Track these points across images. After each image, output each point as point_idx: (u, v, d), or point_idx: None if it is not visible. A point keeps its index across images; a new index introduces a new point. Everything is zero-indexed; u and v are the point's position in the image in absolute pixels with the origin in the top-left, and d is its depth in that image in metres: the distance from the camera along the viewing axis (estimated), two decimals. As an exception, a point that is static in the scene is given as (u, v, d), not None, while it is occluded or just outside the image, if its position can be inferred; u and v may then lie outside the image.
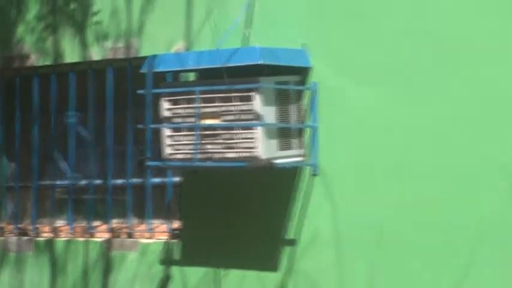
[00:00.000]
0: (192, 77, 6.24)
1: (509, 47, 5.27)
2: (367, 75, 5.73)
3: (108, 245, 6.77)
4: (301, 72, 5.91)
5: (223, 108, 5.69)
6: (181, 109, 5.85)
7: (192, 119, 5.77)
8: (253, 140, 5.60)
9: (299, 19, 5.97)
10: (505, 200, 5.28)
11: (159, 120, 5.98)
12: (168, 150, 5.93)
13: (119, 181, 6.84)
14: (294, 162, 5.85)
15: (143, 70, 6.02)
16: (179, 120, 5.87)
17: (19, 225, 7.28)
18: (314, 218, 5.91)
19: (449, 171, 5.47)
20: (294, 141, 5.86)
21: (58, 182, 7.16)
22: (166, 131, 5.92)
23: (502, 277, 5.30)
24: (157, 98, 6.01)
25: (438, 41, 5.49)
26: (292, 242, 5.99)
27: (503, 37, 5.30)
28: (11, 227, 7.30)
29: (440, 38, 5.49)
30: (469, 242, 5.36)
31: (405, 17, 5.62)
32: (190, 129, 5.80)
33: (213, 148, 5.75)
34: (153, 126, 6.16)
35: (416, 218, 5.56)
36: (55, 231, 7.09)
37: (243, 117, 5.63)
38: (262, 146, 5.58)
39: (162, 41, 6.49)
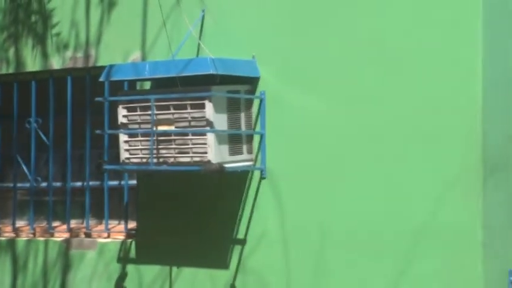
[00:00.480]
0: (147, 85, 6.22)
1: (441, 58, 5.36)
2: (312, 85, 5.76)
3: (67, 244, 6.73)
4: (251, 82, 5.93)
5: (177, 116, 5.69)
6: (137, 116, 5.84)
7: (148, 125, 5.76)
8: (205, 146, 5.60)
9: (249, 32, 5.99)
10: (437, 201, 5.35)
11: (117, 126, 5.96)
12: (124, 155, 5.92)
13: (78, 183, 6.81)
14: (244, 166, 5.86)
15: (101, 79, 6.01)
16: (135, 126, 5.86)
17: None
18: (262, 218, 5.93)
19: (387, 174, 5.52)
20: (244, 147, 5.89)
21: (20, 185, 7.09)
22: (123, 137, 5.90)
23: (436, 272, 5.37)
24: (114, 105, 6.01)
25: (376, 53, 5.54)
26: (241, 242, 6.00)
27: (435, 48, 5.38)
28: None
29: (377, 51, 5.53)
30: (405, 240, 5.42)
31: (347, 31, 5.66)
32: (145, 135, 5.79)
33: (168, 153, 5.75)
34: (110, 131, 6.17)
35: (357, 217, 5.60)
36: (16, 231, 7.04)
37: (195, 124, 5.64)
38: (213, 151, 5.60)
39: (119, 51, 6.47)
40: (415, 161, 5.43)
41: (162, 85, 5.89)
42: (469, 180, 5.28)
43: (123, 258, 6.48)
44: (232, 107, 5.77)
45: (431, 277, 5.38)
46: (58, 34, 6.76)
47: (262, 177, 5.93)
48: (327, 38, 5.72)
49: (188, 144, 5.68)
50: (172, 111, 5.70)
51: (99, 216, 6.73)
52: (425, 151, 5.40)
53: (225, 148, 5.71)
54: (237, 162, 5.80)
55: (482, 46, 5.27)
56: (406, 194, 5.46)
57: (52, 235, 6.85)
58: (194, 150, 5.66)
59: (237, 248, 6.03)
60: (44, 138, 6.88)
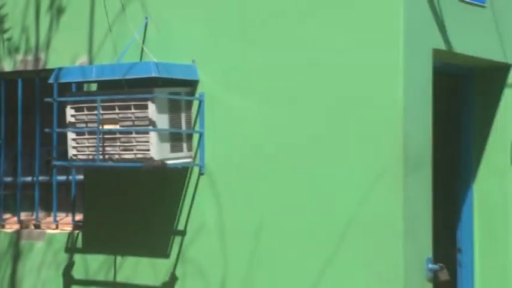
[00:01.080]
0: (94, 87, 6.16)
1: (367, 66, 5.38)
2: (247, 87, 5.77)
3: (17, 235, 6.67)
4: (191, 84, 5.92)
5: (121, 115, 5.67)
6: (84, 115, 5.80)
7: (94, 124, 5.73)
8: (148, 143, 5.59)
9: (189, 38, 5.98)
10: (363, 195, 5.39)
11: (65, 125, 5.92)
12: (72, 152, 5.88)
13: (28, 178, 6.74)
14: (184, 163, 5.85)
15: (50, 81, 5.96)
16: (82, 125, 5.82)
17: None
18: (201, 211, 5.92)
19: (317, 170, 5.54)
20: (184, 145, 5.87)
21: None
22: (71, 135, 5.86)
23: (362, 260, 5.40)
24: (63, 105, 5.96)
25: (306, 59, 5.56)
26: (181, 233, 5.99)
27: (362, 57, 5.40)
28: None
29: (308, 57, 5.56)
30: (334, 230, 5.45)
31: (278, 38, 5.67)
32: (92, 133, 5.75)
33: (112, 150, 5.72)
34: (58, 130, 6.12)
35: (289, 210, 5.61)
36: (-31, 223, 6.95)
37: (139, 123, 5.62)
38: (155, 149, 5.59)
39: (67, 55, 6.42)
40: (343, 158, 5.46)
41: (108, 87, 5.85)
42: (392, 176, 5.32)
43: (71, 248, 6.42)
44: (173, 108, 5.75)
45: (357, 264, 5.41)
46: (9, 38, 6.69)
47: (200, 173, 5.93)
48: (260, 45, 5.74)
49: (132, 142, 5.66)
50: (117, 111, 5.67)
51: (48, 209, 6.67)
52: (352, 150, 5.44)
53: (167, 146, 5.70)
54: (177, 159, 5.79)
55: (403, 55, 5.31)
56: (334, 188, 5.49)
57: (3, 226, 6.78)
58: (137, 147, 5.64)
59: (177, 239, 6.01)
60: (-5, 137, 6.83)
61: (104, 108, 5.68)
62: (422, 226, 5.48)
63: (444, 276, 5.58)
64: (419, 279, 5.43)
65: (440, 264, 5.56)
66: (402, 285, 5.29)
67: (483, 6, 6.00)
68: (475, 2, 5.92)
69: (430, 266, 5.50)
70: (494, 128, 6.32)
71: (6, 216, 6.86)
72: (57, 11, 6.50)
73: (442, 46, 5.66)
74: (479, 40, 5.98)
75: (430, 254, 5.53)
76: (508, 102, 6.22)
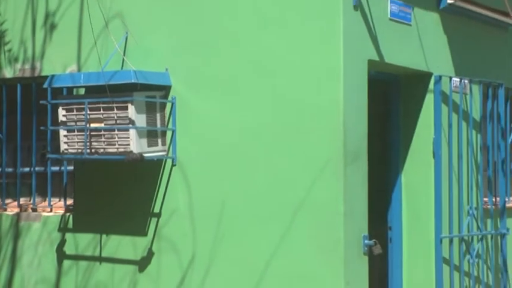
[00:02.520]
0: (82, 91, 6.08)
1: (314, 73, 5.39)
2: (212, 92, 5.74)
3: (17, 217, 6.57)
4: (165, 89, 5.87)
5: (105, 115, 5.63)
6: (74, 115, 5.75)
7: (82, 123, 5.67)
8: (128, 139, 5.55)
9: (163, 50, 5.93)
10: (311, 182, 5.38)
11: (57, 123, 5.86)
12: (64, 146, 5.82)
13: (26, 169, 6.64)
14: (159, 155, 5.81)
15: (45, 86, 5.90)
16: (72, 123, 5.77)
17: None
18: (174, 197, 5.88)
19: (272, 162, 5.53)
20: (159, 140, 5.83)
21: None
22: (63, 132, 5.81)
23: (309, 237, 5.40)
24: (56, 107, 5.89)
25: (262, 68, 5.55)
26: (157, 215, 5.95)
27: (309, 65, 5.41)
28: None
29: (263, 66, 5.54)
30: (286, 212, 5.45)
31: (236, 51, 5.66)
32: (80, 130, 5.70)
33: (98, 145, 5.67)
34: (52, 128, 6.05)
35: (249, 195, 5.60)
36: (-24, 207, 6.84)
37: (120, 122, 5.59)
38: (135, 144, 5.55)
39: (59, 64, 6.34)
40: (294, 151, 5.45)
41: (94, 91, 5.79)
42: (334, 166, 5.32)
43: (63, 228, 6.34)
44: (150, 109, 5.71)
45: (305, 240, 5.41)
46: (9, 50, 6.59)
47: (173, 165, 5.88)
48: (221, 56, 5.71)
49: (115, 138, 5.61)
50: (101, 111, 5.64)
51: (43, 195, 6.57)
52: (302, 144, 5.43)
53: (144, 141, 5.66)
54: (153, 152, 5.75)
55: (343, 65, 5.31)
56: (286, 176, 5.48)
57: (5, 210, 6.67)
58: (119, 142, 5.60)
59: (153, 220, 5.96)
60: (-2, 133, 6.72)
61: (91, 109, 5.64)
62: (359, 208, 5.50)
63: (377, 250, 5.61)
64: (357, 253, 5.45)
65: (374, 240, 5.58)
66: (343, 258, 5.30)
67: (409, 25, 6.00)
68: (402, 21, 5.93)
69: (366, 241, 5.52)
70: (418, 126, 6.34)
71: (8, 201, 6.75)
72: (50, 27, 6.41)
73: (376, 57, 5.67)
74: (406, 52, 5.99)
75: (366, 232, 5.54)
76: (430, 105, 6.23)
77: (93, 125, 5.66)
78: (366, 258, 5.54)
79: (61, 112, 5.80)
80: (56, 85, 5.89)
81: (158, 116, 5.80)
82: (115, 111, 5.59)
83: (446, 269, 6.14)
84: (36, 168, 6.55)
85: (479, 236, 6.46)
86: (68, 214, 6.34)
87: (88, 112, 5.63)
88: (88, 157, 5.71)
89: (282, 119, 5.50)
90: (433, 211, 6.13)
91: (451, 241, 6.16)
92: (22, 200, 6.66)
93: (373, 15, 5.60)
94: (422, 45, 6.12)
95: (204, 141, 5.78)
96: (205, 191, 5.76)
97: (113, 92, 5.59)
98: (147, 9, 6.00)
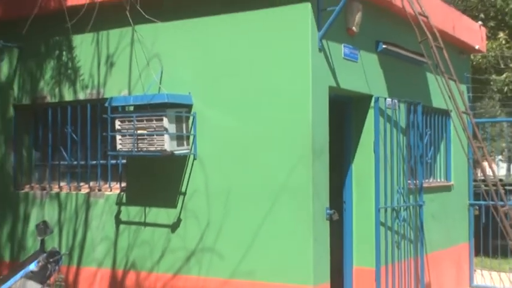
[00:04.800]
0: (132, 108, 5.84)
1: (290, 91, 5.24)
2: (221, 108, 5.55)
3: (88, 195, 6.31)
4: (188, 107, 5.66)
5: (147, 125, 5.46)
6: (126, 125, 5.56)
7: (132, 130, 5.50)
8: (163, 141, 5.39)
9: (186, 79, 5.70)
10: (289, 171, 5.23)
11: (115, 130, 5.65)
12: (119, 146, 5.63)
13: (94, 162, 6.38)
14: (185, 152, 5.59)
15: (106, 105, 5.71)
16: (125, 131, 5.57)
17: (42, 185, 6.69)
18: (195, 181, 5.66)
19: (262, 157, 5.36)
20: (185, 142, 5.60)
21: (62, 163, 6.60)
22: (118, 136, 5.61)
23: (288, 212, 5.25)
24: (113, 119, 5.68)
25: (255, 92, 5.38)
26: (183, 193, 5.72)
27: (287, 85, 5.26)
28: (37, 186, 6.71)
29: (256, 91, 5.37)
30: (271, 194, 5.30)
31: (239, 80, 5.47)
32: (131, 135, 5.52)
33: (142, 145, 5.50)
34: (111, 133, 5.80)
35: (247, 182, 5.41)
36: (60, 188, 6.56)
37: (158, 129, 5.41)
38: (167, 144, 5.38)
39: (115, 90, 6.09)
40: (278, 150, 5.29)
41: (140, 108, 5.60)
42: (305, 160, 5.16)
43: (119, 203, 6.10)
44: (178, 120, 5.49)
45: (286, 211, 5.25)
46: (82, 80, 6.34)
47: (194, 159, 5.65)
48: (227, 83, 5.52)
49: (154, 141, 5.43)
50: (145, 122, 5.45)
51: (106, 180, 6.31)
52: (283, 145, 5.27)
53: (174, 142, 5.45)
54: (181, 150, 5.53)
55: (311, 90, 5.17)
56: (272, 167, 5.30)
57: (80, 190, 6.41)
58: (157, 143, 5.41)
59: (181, 197, 5.73)
60: (75, 137, 6.45)
61: (137, 121, 5.46)
62: (322, 189, 5.32)
63: (335, 217, 5.47)
64: (321, 219, 5.28)
65: (333, 210, 5.44)
66: (312, 223, 5.15)
67: (356, 62, 5.83)
68: (352, 59, 5.75)
69: (328, 211, 5.36)
70: (363, 132, 6.14)
71: (82, 184, 6.48)
72: (110, 64, 6.16)
73: (334, 84, 5.49)
74: (355, 81, 5.81)
75: (327, 205, 5.37)
76: (371, 117, 6.05)
77: (139, 132, 5.47)
78: (328, 222, 5.38)
79: (117, 123, 5.61)
80: (114, 104, 5.69)
81: (184, 125, 5.56)
82: (154, 122, 5.40)
83: (382, 229, 5.97)
84: (101, 162, 6.31)
85: (405, 207, 6.32)
86: (122, 193, 6.10)
87: (135, 123, 5.45)
88: (136, 154, 5.53)
89: (270, 128, 5.32)
90: (373, 190, 5.94)
91: (385, 210, 6.02)
92: (91, 184, 6.39)
93: (332, 56, 5.45)
94: (365, 76, 5.94)
95: (215, 142, 5.56)
96: (217, 177, 5.54)
97: (152, 109, 5.43)
98: (175, 51, 5.78)
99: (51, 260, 4.31)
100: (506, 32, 9.99)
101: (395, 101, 6.24)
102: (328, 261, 5.36)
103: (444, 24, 7.00)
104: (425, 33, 5.83)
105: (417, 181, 6.51)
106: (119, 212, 6.08)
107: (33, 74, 6.65)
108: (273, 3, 5.30)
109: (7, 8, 6.56)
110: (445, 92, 6.04)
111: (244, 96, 5.44)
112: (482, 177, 6.78)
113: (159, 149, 5.39)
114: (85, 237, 6.26)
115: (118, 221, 6.08)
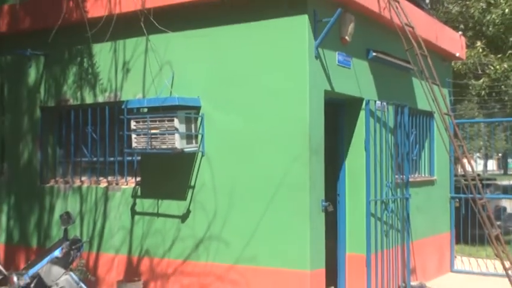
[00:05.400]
0: (146, 110, 5.76)
1: (290, 97, 5.18)
2: (226, 110, 5.48)
3: (107, 188, 6.25)
4: (197, 108, 5.59)
5: (160, 125, 5.38)
6: (141, 125, 5.49)
7: (146, 130, 5.42)
8: (174, 140, 5.31)
9: (196, 84, 5.64)
10: (289, 168, 5.17)
11: (130, 130, 5.57)
12: (134, 144, 5.56)
13: (111, 158, 6.31)
14: (193, 150, 5.53)
15: (123, 107, 5.64)
16: (140, 130, 5.50)
17: (65, 179, 6.65)
18: (202, 175, 5.60)
19: (264, 154, 5.29)
20: (193, 140, 5.54)
21: (83, 159, 6.54)
22: (133, 135, 5.54)
23: (287, 204, 5.19)
24: (129, 120, 5.60)
25: (259, 96, 5.31)
26: (192, 187, 5.66)
27: (288, 91, 5.18)
28: (61, 180, 6.66)
29: (261, 95, 5.30)
30: (272, 188, 5.24)
31: (244, 84, 5.41)
32: (145, 134, 5.44)
33: (155, 143, 5.42)
34: (127, 133, 5.72)
35: (249, 177, 5.35)
36: (82, 182, 6.50)
37: (169, 128, 5.34)
38: (178, 142, 5.30)
39: (131, 93, 6.02)
40: (278, 148, 5.22)
41: (153, 110, 5.52)
42: (303, 157, 5.10)
43: (134, 195, 6.04)
44: (188, 121, 5.42)
45: (285, 203, 5.18)
46: (102, 84, 6.27)
47: (202, 156, 5.59)
48: (232, 88, 5.45)
49: (166, 139, 5.35)
50: (157, 123, 5.38)
51: (122, 174, 6.25)
52: (283, 144, 5.20)
53: (184, 141, 5.39)
54: (190, 148, 5.46)
55: (309, 94, 5.11)
56: (273, 164, 5.24)
57: (99, 184, 6.35)
58: (169, 142, 5.34)
59: (190, 190, 5.66)
60: (94, 136, 6.39)
61: (151, 121, 5.39)
62: (318, 183, 5.25)
63: (330, 208, 5.40)
64: (317, 210, 5.22)
65: (328, 202, 5.37)
66: (308, 214, 5.09)
67: (349, 68, 5.75)
68: (345, 66, 5.67)
69: (323, 203, 5.29)
70: (355, 131, 6.06)
71: (101, 178, 6.42)
72: (126, 70, 6.08)
73: (329, 88, 5.42)
74: (348, 85, 5.73)
75: (323, 197, 5.30)
76: (362, 118, 5.99)
77: (152, 131, 5.39)
78: (323, 214, 5.31)
79: (132, 123, 5.53)
80: (129, 106, 5.62)
81: (193, 125, 5.50)
82: (166, 122, 5.33)
83: (372, 220, 5.90)
84: (118, 158, 6.24)
85: (393, 199, 6.24)
86: (137, 186, 6.03)
87: (149, 123, 5.38)
88: (149, 151, 5.46)
89: (271, 128, 5.25)
90: (364, 184, 5.87)
91: (375, 202, 5.93)
92: (109, 178, 6.33)
93: (327, 62, 5.38)
94: (357, 81, 5.85)
95: (221, 141, 5.49)
96: (223, 172, 5.48)
97: (164, 111, 5.36)
98: (185, 58, 5.70)
99: (73, 247, 4.27)
100: (483, 41, 9.93)
101: (384, 103, 6.16)
102: (323, 248, 5.30)
103: (428, 34, 6.93)
104: (411, 42, 5.77)
105: (404, 176, 6.44)
106: (134, 204, 6.02)
107: (57, 79, 6.60)
108: (274, 15, 5.24)
109: (34, 20, 6.51)
110: (429, 95, 5.98)
111: (247, 99, 5.37)
112: (462, 173, 6.71)
113: (170, 146, 5.32)
114: (104, 226, 6.21)
115: (133, 212, 6.01)
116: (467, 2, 9.73)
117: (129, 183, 6.12)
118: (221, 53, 5.51)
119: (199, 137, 5.58)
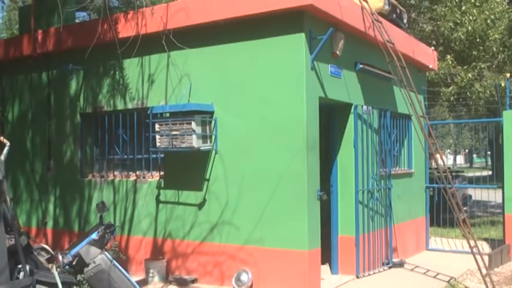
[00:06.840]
0: (168, 114, 5.68)
1: (289, 99, 5.07)
2: (235, 114, 5.38)
3: (135, 181, 6.16)
4: (211, 113, 5.49)
5: (180, 127, 5.29)
6: (163, 127, 5.39)
7: (168, 131, 5.34)
8: (192, 140, 5.22)
9: (210, 92, 5.54)
10: (289, 162, 5.06)
11: (155, 132, 5.49)
12: (158, 144, 5.46)
13: (139, 156, 6.22)
14: (208, 148, 5.43)
15: (148, 112, 5.55)
16: (163, 132, 5.40)
17: (101, 174, 6.55)
18: (216, 170, 5.50)
19: (268, 150, 5.17)
20: (208, 140, 5.44)
21: (115, 157, 6.45)
22: (157, 136, 5.45)
23: (287, 193, 5.08)
24: (154, 123, 5.52)
25: (262, 102, 5.19)
26: (207, 179, 5.56)
27: (287, 94, 5.07)
28: (97, 175, 6.57)
29: (263, 101, 5.20)
30: (274, 179, 5.14)
31: (249, 92, 5.30)
32: (167, 135, 5.35)
33: (176, 143, 5.33)
34: (152, 134, 5.64)
35: (256, 170, 5.24)
36: (114, 176, 6.41)
37: (188, 130, 5.25)
38: (195, 142, 5.22)
39: (155, 100, 5.92)
40: (280, 145, 5.11)
41: (174, 115, 5.44)
42: (301, 153, 4.99)
43: (158, 187, 5.94)
44: (203, 124, 5.33)
45: (286, 193, 5.08)
46: (131, 93, 6.18)
47: (215, 153, 5.49)
48: (240, 96, 5.35)
49: (185, 139, 5.26)
50: (178, 125, 5.29)
51: (148, 169, 6.17)
52: (284, 141, 5.09)
53: (200, 141, 5.29)
54: (205, 146, 5.37)
55: (305, 100, 5.00)
56: (276, 159, 5.13)
57: (129, 177, 6.26)
58: (187, 142, 5.25)
59: (205, 182, 5.57)
60: (125, 137, 6.29)
61: (172, 124, 5.30)
62: (315, 175, 5.14)
63: (324, 197, 5.29)
64: (313, 199, 5.11)
65: (323, 192, 5.25)
66: (306, 202, 4.99)
67: (340, 78, 5.63)
68: (337, 76, 5.56)
69: (319, 193, 5.17)
70: (346, 132, 5.95)
71: (130, 173, 6.33)
72: (151, 81, 5.98)
73: (323, 95, 5.31)
74: (339, 92, 5.62)
75: (318, 187, 5.19)
76: (351, 121, 5.87)
77: (173, 132, 5.30)
78: (318, 202, 5.20)
79: (157, 126, 5.45)
80: (154, 112, 5.54)
81: (207, 127, 5.40)
82: (185, 125, 5.25)
83: (360, 206, 5.79)
84: (144, 156, 6.15)
85: (377, 189, 6.13)
86: (161, 179, 5.94)
87: (171, 126, 5.29)
88: (171, 149, 5.38)
89: (273, 129, 5.15)
90: (353, 176, 5.77)
91: (363, 192, 5.83)
92: (138, 172, 6.24)
93: (321, 73, 5.27)
94: (347, 89, 5.75)
95: (231, 141, 5.39)
96: (233, 167, 5.38)
97: (183, 115, 5.27)
98: (201, 71, 5.60)
99: (107, 231, 4.20)
100: (452, 55, 9.84)
101: (370, 108, 6.05)
102: (319, 231, 5.19)
103: (406, 49, 6.82)
104: (392, 56, 5.67)
105: (387, 169, 6.33)
106: (158, 194, 5.93)
107: (94, 89, 6.52)
108: (276, 34, 5.15)
109: (74, 40, 6.46)
110: (407, 100, 5.86)
111: (254, 105, 5.27)
112: (436, 166, 6.59)
113: (188, 145, 5.24)
114: (133, 213, 6.12)
115: (158, 201, 5.92)
116: (438, 22, 9.66)
117: (154, 177, 6.02)
118: (231, 66, 5.42)
119: (213, 137, 5.48)
